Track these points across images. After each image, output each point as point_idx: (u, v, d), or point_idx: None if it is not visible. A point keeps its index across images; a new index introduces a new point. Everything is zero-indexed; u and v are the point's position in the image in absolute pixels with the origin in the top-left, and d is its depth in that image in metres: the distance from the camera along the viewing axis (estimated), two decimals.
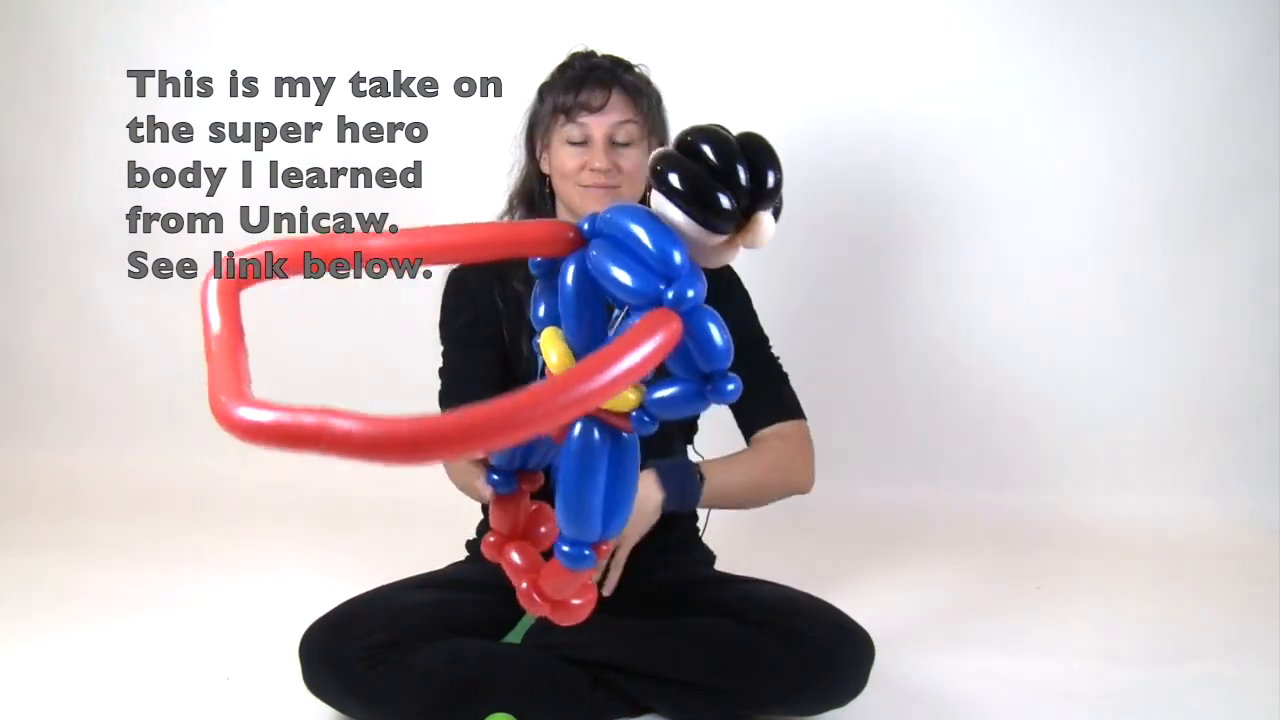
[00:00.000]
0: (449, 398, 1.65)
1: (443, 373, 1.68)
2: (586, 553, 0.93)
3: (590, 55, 1.64)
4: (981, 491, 2.60)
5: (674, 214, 0.86)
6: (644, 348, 0.77)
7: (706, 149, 0.85)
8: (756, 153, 0.86)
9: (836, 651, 1.48)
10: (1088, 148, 2.58)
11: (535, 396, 0.68)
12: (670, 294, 0.82)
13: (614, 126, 1.57)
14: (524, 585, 1.01)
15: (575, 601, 1.01)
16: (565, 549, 0.94)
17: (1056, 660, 1.79)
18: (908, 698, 1.62)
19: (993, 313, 2.65)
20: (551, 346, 0.94)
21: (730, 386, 0.85)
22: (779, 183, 0.86)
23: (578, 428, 0.91)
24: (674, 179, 0.85)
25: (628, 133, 1.58)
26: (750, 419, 1.68)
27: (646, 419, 0.89)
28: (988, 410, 2.66)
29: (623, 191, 1.57)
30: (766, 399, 1.67)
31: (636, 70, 1.64)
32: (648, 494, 1.49)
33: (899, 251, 2.67)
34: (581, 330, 0.93)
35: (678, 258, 0.83)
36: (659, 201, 0.87)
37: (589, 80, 1.59)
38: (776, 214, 0.87)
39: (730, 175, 0.84)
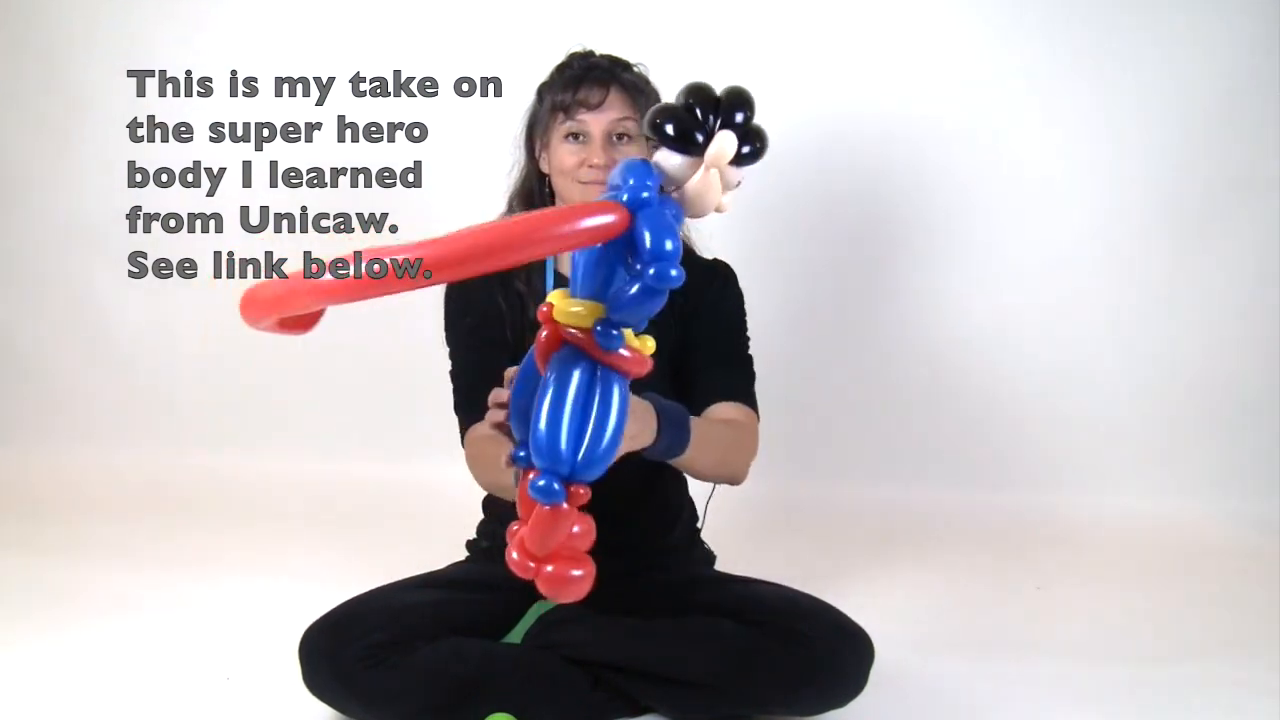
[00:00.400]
0: (465, 403, 1.64)
1: (454, 376, 1.68)
2: (556, 486, 0.96)
3: (589, 55, 1.65)
4: (981, 491, 2.60)
5: (660, 155, 1.00)
6: (589, 214, 0.92)
7: (689, 97, 1.01)
8: (731, 95, 0.99)
9: (836, 652, 1.47)
10: (1088, 148, 2.58)
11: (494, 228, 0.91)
12: (625, 196, 0.94)
13: (612, 123, 1.58)
14: (514, 555, 1.02)
15: (575, 572, 1.02)
16: (539, 483, 0.97)
17: (1056, 660, 1.79)
18: (908, 698, 1.61)
19: (992, 313, 2.65)
20: (552, 297, 1.04)
21: (674, 272, 0.93)
22: (747, 118, 0.99)
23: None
24: (653, 118, 1.00)
25: (626, 129, 1.58)
26: (709, 388, 1.62)
27: (614, 333, 0.98)
28: (987, 410, 2.66)
29: None
30: (733, 378, 1.65)
31: (635, 69, 1.64)
32: (645, 425, 1.34)
33: (899, 251, 2.67)
34: (592, 288, 1.00)
35: (648, 181, 0.96)
36: (658, 154, 1.00)
37: (587, 78, 1.59)
38: (757, 155, 0.99)
39: (701, 108, 0.99)
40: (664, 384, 1.61)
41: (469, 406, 1.63)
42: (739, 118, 0.97)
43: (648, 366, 1.04)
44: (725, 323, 1.68)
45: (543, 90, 1.66)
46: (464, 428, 1.63)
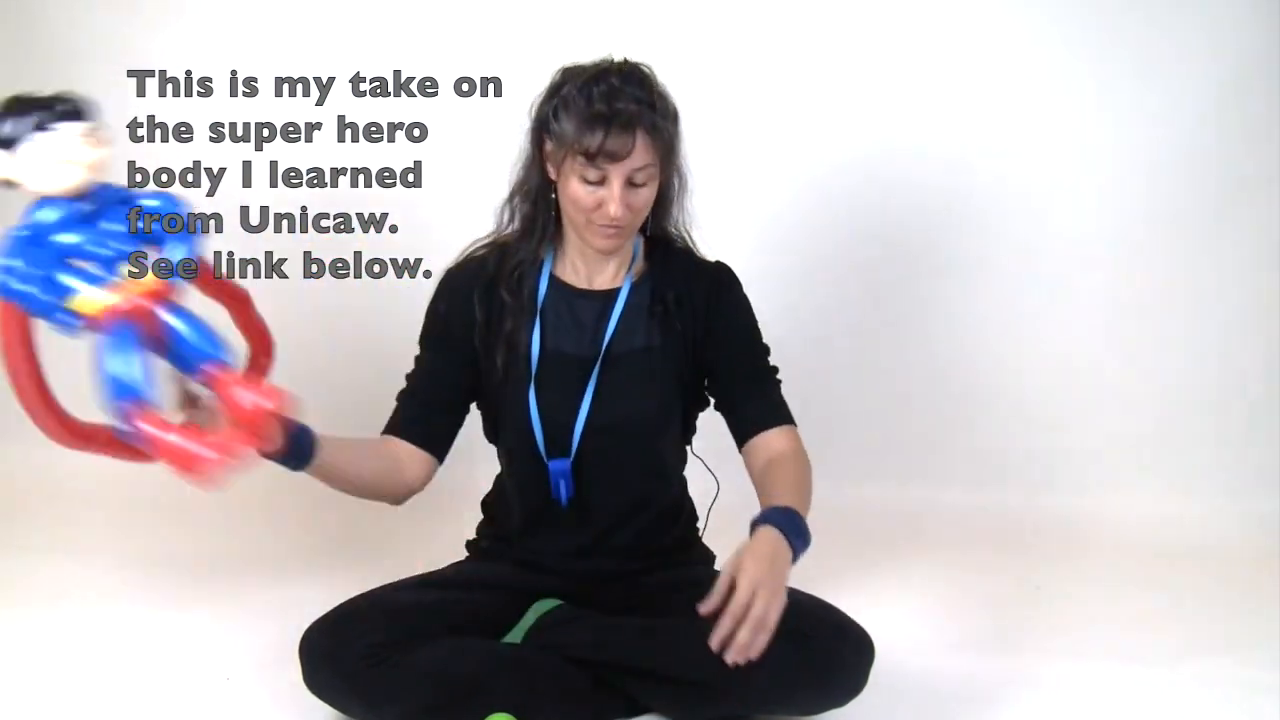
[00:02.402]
0: (403, 396, 1.67)
1: (407, 374, 1.68)
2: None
3: (618, 74, 1.52)
4: (981, 491, 2.60)
5: None
6: None
7: None
8: None
9: (836, 652, 1.48)
10: (1088, 148, 2.58)
11: None
12: None
13: (633, 171, 1.49)
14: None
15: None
16: None
17: (1057, 660, 1.79)
18: (908, 698, 1.62)
19: (993, 313, 2.65)
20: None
21: None
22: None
23: None
24: None
25: (646, 175, 1.51)
26: (751, 418, 1.65)
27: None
28: (988, 410, 2.66)
29: (628, 228, 1.56)
30: (768, 397, 1.67)
31: (659, 92, 1.54)
32: (780, 551, 1.44)
33: (900, 254, 2.67)
34: None
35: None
36: None
37: (615, 123, 1.47)
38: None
39: None
40: (672, 400, 1.62)
41: (405, 401, 1.67)
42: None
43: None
44: (741, 337, 1.67)
45: (563, 107, 1.52)
46: (390, 421, 1.67)
